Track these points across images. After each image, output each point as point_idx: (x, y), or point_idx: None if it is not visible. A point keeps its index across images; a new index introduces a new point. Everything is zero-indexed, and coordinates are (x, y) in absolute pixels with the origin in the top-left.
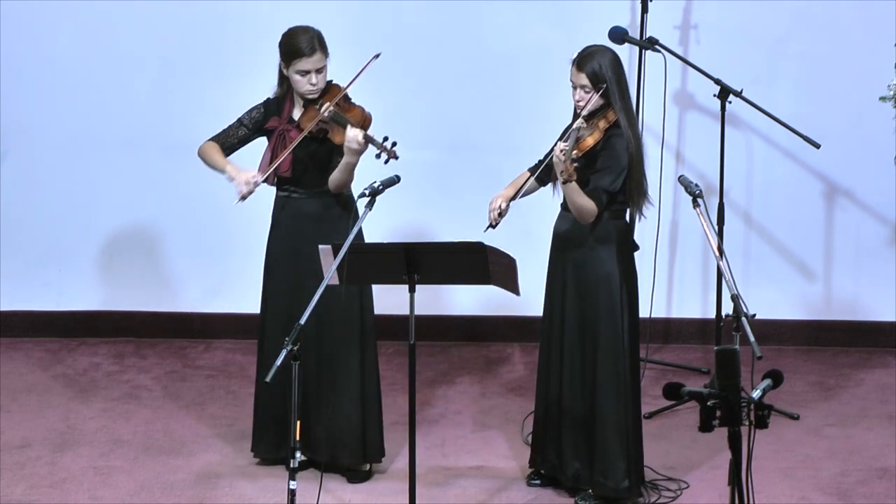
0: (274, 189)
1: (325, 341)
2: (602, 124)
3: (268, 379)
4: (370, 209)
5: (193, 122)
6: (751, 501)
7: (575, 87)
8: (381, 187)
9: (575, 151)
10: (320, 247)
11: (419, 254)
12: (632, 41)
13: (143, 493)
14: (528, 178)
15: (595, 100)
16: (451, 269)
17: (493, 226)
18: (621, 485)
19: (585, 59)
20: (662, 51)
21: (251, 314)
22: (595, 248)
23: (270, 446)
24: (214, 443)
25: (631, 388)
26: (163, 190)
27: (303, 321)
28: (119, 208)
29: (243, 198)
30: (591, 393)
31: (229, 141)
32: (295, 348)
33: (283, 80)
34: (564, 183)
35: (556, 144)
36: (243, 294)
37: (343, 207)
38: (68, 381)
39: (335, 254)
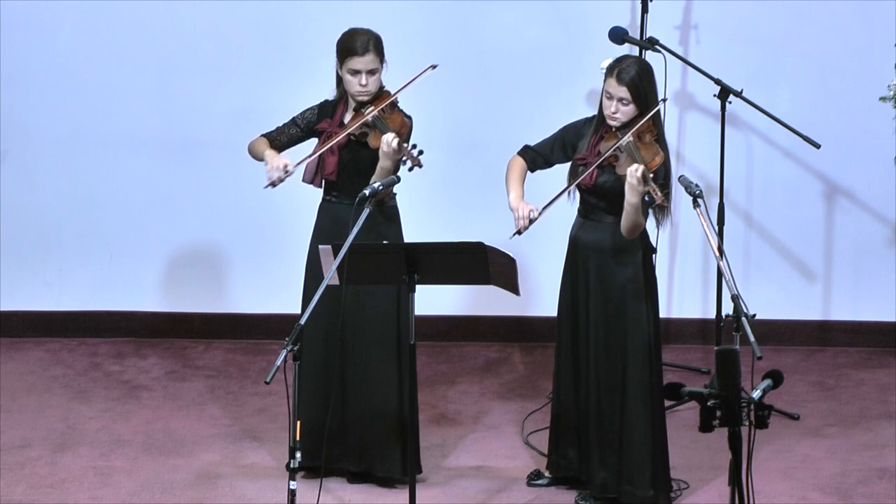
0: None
1: (360, 348)
2: (649, 138)
3: (267, 380)
4: (370, 209)
5: (194, 122)
6: (751, 501)
7: (611, 98)
8: (380, 187)
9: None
10: (320, 247)
11: (419, 254)
12: (632, 41)
13: (143, 493)
14: (566, 188)
15: (630, 111)
16: (451, 269)
17: (520, 232)
18: (648, 492)
19: (625, 71)
20: (662, 51)
21: (251, 314)
22: (619, 255)
23: (305, 454)
24: (214, 443)
25: (659, 396)
26: (163, 190)
27: (303, 321)
28: (119, 208)
29: (272, 184)
30: (622, 401)
31: (280, 139)
32: (295, 348)
33: (340, 82)
34: (661, 206)
35: (591, 151)
36: (244, 294)
37: (385, 215)
38: (68, 381)
39: (335, 254)
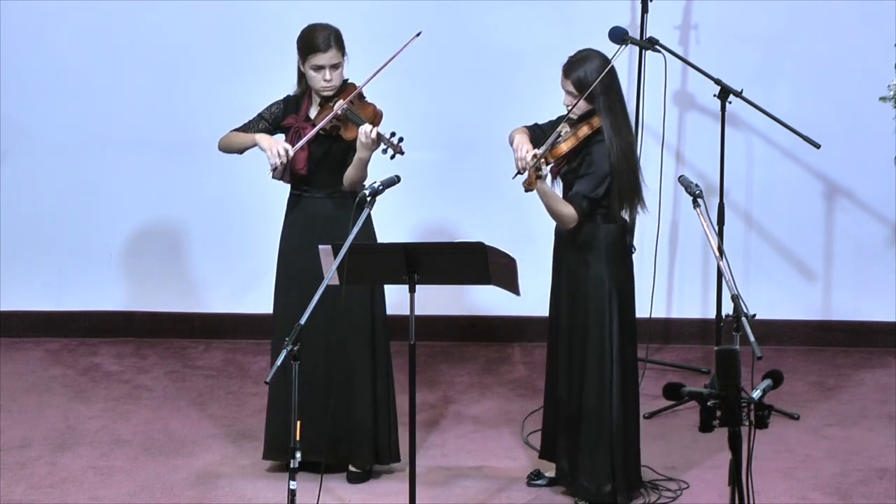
0: (288, 187)
1: (335, 342)
2: (583, 131)
3: (268, 380)
4: (370, 209)
5: (194, 122)
6: (751, 501)
7: (565, 92)
8: (381, 187)
9: (546, 158)
10: (320, 247)
11: (419, 254)
12: (632, 41)
13: (143, 493)
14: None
15: (581, 105)
16: (451, 269)
17: (520, 172)
18: (603, 489)
19: (573, 66)
20: (662, 51)
21: (251, 314)
22: (583, 252)
23: (284, 451)
24: (214, 443)
25: (621, 392)
26: (163, 190)
27: (303, 321)
28: (119, 208)
29: (275, 169)
30: (578, 395)
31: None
32: (295, 348)
33: (302, 78)
34: (525, 191)
35: (549, 138)
36: (244, 294)
37: (355, 208)
38: (68, 381)
39: (335, 254)
